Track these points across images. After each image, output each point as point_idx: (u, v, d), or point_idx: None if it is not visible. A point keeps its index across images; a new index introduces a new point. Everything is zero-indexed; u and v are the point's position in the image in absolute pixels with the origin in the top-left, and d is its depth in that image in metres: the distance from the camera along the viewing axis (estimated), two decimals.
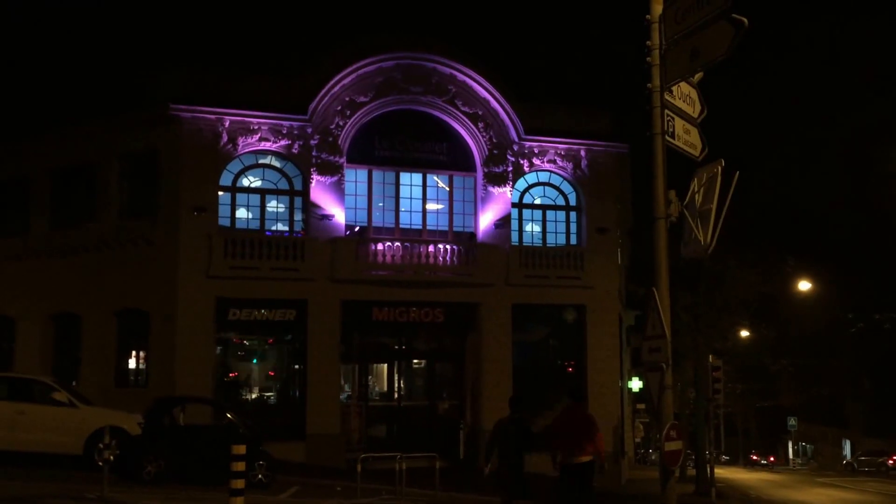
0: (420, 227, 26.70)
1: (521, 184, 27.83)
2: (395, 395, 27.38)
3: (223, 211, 24.79)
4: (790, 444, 70.05)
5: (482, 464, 14.05)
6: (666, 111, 9.44)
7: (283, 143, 25.21)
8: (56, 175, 27.03)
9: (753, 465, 67.67)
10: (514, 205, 27.52)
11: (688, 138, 9.86)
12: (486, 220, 26.86)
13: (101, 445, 13.05)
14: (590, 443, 12.06)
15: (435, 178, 27.08)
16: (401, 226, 26.50)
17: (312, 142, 25.37)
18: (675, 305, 25.14)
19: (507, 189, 27.18)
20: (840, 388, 60.36)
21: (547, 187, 28.26)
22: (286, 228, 25.56)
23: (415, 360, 28.28)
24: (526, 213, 28.00)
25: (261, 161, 25.42)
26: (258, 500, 15.28)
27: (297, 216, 25.56)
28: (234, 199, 25.05)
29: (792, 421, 63.94)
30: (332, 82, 25.62)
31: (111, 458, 13.77)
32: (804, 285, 36.97)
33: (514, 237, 27.49)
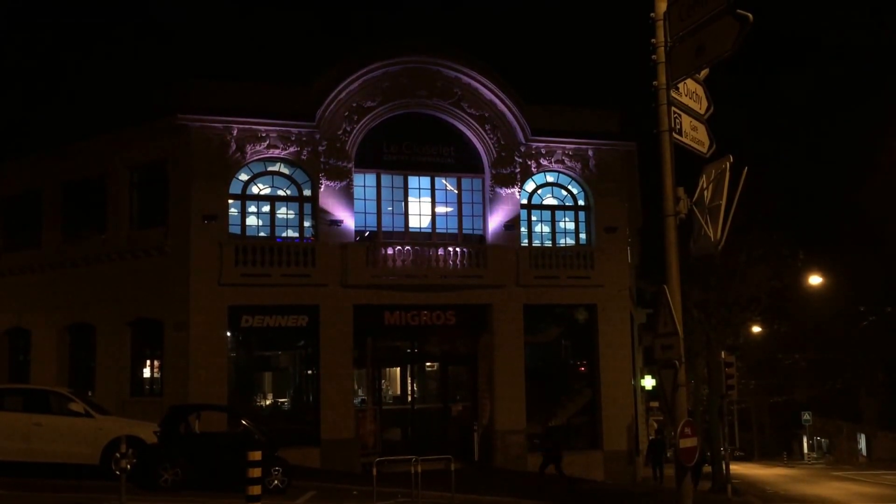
0: (429, 230, 26.74)
1: (530, 185, 27.84)
2: (409, 399, 27.41)
3: (233, 219, 24.88)
4: (805, 439, 69.79)
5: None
6: (673, 108, 9.47)
7: (291, 149, 25.29)
8: (67, 187, 27.21)
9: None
10: (522, 206, 27.53)
11: (695, 135, 9.89)
12: (495, 221, 26.87)
13: (117, 455, 13.13)
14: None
15: (443, 180, 27.12)
16: (410, 229, 26.54)
17: (320, 148, 25.43)
18: (687, 302, 25.13)
19: (516, 190, 27.20)
20: (854, 382, 60.09)
21: (555, 187, 28.27)
22: (296, 235, 25.62)
23: (427, 363, 28.30)
24: (535, 213, 28.01)
25: (269, 168, 25.50)
26: None
27: (307, 222, 25.62)
28: (243, 206, 25.14)
29: (806, 416, 63.72)
30: (338, 88, 25.68)
31: (128, 467, 13.83)
32: (815, 279, 36.92)
33: (524, 238, 27.52)
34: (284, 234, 25.52)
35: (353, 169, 25.83)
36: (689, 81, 9.78)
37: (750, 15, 8.40)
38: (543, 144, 27.63)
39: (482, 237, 26.93)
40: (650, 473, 31.89)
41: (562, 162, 27.87)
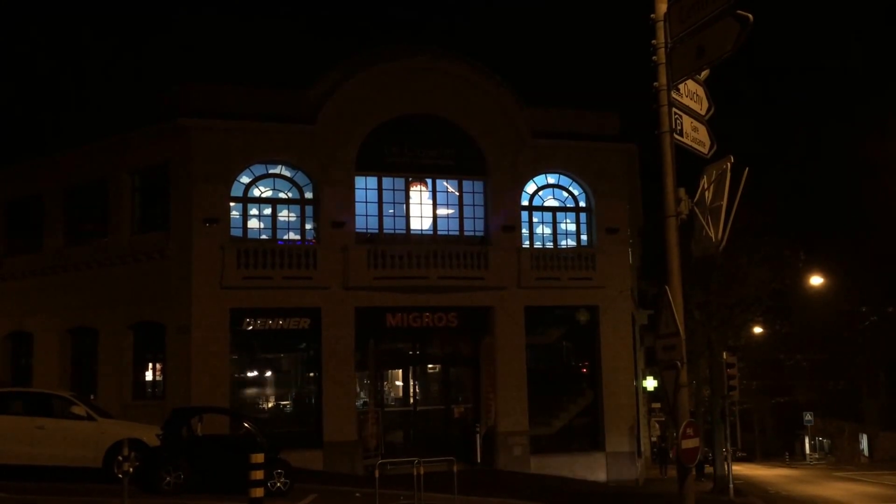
0: (431, 232, 26.75)
1: (531, 186, 27.84)
2: (411, 401, 27.40)
3: (235, 222, 24.91)
4: (807, 440, 69.74)
5: None
6: (674, 109, 9.47)
7: (292, 152, 25.30)
8: (69, 191, 27.25)
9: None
10: (523, 207, 27.54)
11: (696, 136, 9.90)
12: (496, 223, 26.87)
13: (120, 458, 13.10)
14: None
15: (444, 182, 27.12)
16: (411, 231, 26.55)
17: (322, 150, 25.45)
18: (688, 303, 25.14)
19: (517, 192, 27.19)
20: (856, 382, 60.06)
21: (556, 189, 28.26)
22: (298, 237, 25.64)
23: (430, 365, 28.31)
24: (536, 215, 28.01)
25: (271, 171, 25.53)
26: None
27: (309, 224, 25.65)
28: (245, 209, 25.16)
29: (808, 416, 63.67)
30: (339, 91, 25.71)
31: (130, 470, 13.80)
32: (816, 280, 36.94)
33: (525, 240, 27.52)
34: (286, 237, 25.54)
35: (354, 171, 25.83)
36: (689, 82, 9.79)
37: (750, 16, 8.39)
38: (545, 146, 27.64)
39: (483, 239, 26.94)
40: (657, 473, 32.18)
41: (563, 163, 27.87)
